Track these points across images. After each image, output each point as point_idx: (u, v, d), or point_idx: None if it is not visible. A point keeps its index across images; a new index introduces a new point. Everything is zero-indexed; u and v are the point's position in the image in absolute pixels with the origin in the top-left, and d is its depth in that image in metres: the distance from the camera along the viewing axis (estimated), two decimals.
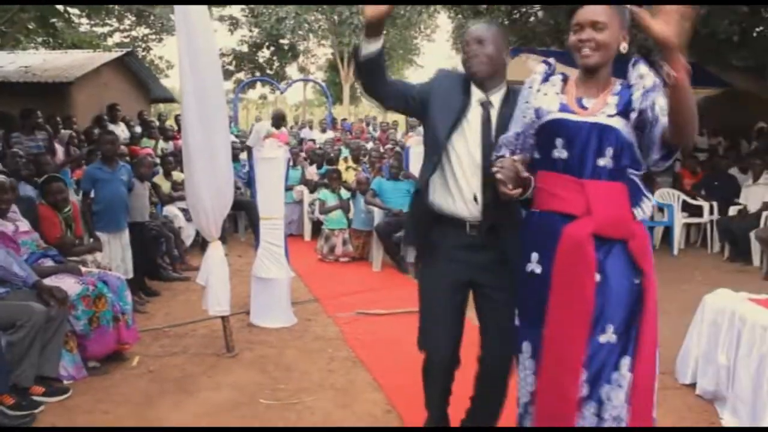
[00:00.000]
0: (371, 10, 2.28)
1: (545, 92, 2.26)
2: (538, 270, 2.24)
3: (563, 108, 2.19)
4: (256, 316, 5.06)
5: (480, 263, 2.54)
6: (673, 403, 3.63)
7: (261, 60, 28.72)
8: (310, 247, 8.24)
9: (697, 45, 5.93)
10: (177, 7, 3.94)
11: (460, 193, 2.52)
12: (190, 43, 3.93)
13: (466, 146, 2.50)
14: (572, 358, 2.11)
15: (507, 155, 2.31)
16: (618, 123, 2.10)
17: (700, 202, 8.31)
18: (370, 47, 2.38)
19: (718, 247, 8.10)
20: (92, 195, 5.29)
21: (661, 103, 2.03)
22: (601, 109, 2.13)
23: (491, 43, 2.49)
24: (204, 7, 4.03)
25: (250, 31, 27.73)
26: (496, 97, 2.54)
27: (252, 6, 25.20)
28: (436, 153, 2.54)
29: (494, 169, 2.17)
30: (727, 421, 3.36)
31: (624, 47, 2.12)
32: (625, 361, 2.11)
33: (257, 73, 27.24)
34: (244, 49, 28.15)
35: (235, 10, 26.26)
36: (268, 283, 5.05)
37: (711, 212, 8.27)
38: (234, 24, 27.76)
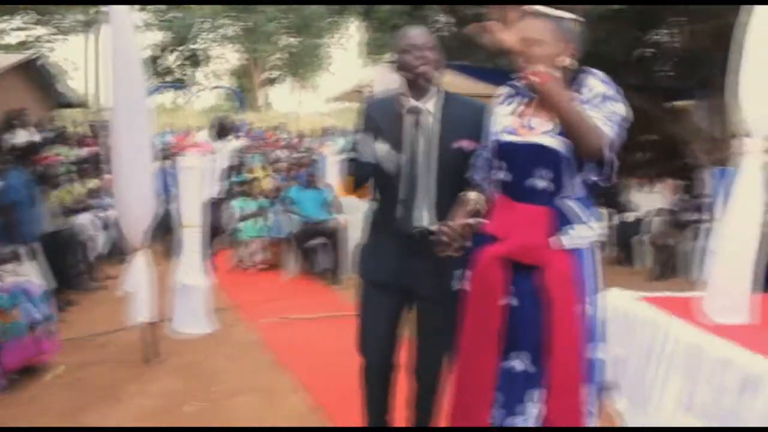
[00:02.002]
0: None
1: (502, 114, 2.23)
2: (463, 286, 2.26)
3: (509, 130, 2.16)
4: (179, 323, 5.11)
5: (415, 271, 2.56)
6: None
7: (169, 65, 28.21)
8: (226, 255, 8.27)
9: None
10: (106, 8, 3.94)
11: (400, 204, 2.56)
12: (117, 46, 3.97)
13: (403, 154, 2.53)
14: (480, 380, 2.13)
15: (479, 179, 2.32)
16: (556, 142, 2.04)
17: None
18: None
19: (612, 251, 8.70)
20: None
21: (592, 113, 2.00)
22: (544, 128, 2.07)
23: (435, 47, 2.52)
24: (128, 8, 4.05)
25: (158, 34, 27.21)
26: (431, 103, 2.55)
27: (161, 9, 24.72)
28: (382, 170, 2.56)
29: (436, 229, 2.23)
30: (620, 405, 3.74)
31: (564, 60, 2.05)
32: (534, 394, 2.09)
33: (166, 79, 26.74)
34: (151, 53, 27.57)
35: (143, 14, 25.65)
36: (189, 291, 5.12)
37: (609, 219, 8.87)
38: (141, 28, 27.16)
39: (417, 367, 2.74)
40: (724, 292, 3.53)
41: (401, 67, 2.54)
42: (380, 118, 2.59)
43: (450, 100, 2.58)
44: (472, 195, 2.30)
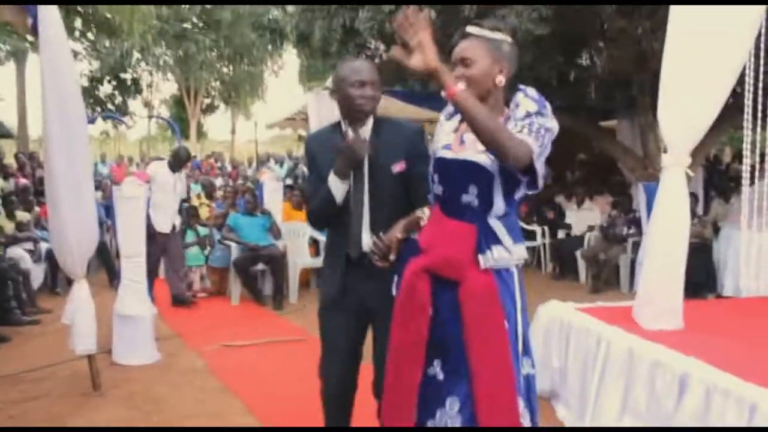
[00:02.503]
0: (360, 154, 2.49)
1: (444, 131, 2.28)
2: (394, 293, 2.31)
3: (445, 146, 2.21)
4: (120, 354, 5.01)
5: (368, 293, 2.61)
6: None
7: (102, 95, 27.70)
8: (166, 284, 8.14)
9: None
10: (41, 34, 3.85)
11: (345, 229, 2.65)
12: (53, 72, 3.91)
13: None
14: (406, 387, 2.19)
15: (429, 195, 2.35)
16: (484, 158, 2.08)
17: (533, 227, 9.15)
18: (343, 187, 2.57)
19: (551, 267, 8.97)
20: None
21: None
22: (478, 145, 2.08)
23: (378, 84, 2.59)
24: (64, 34, 4.03)
25: (90, 64, 26.64)
26: (365, 130, 2.62)
27: (95, 39, 24.25)
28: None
29: (372, 241, 2.33)
30: (562, 414, 3.87)
31: (500, 80, 2.11)
32: (454, 401, 2.11)
33: (98, 108, 26.22)
34: (84, 83, 26.95)
35: (75, 43, 25.06)
36: (131, 321, 5.03)
37: (543, 236, 9.14)
38: (74, 57, 26.52)
39: (375, 386, 2.73)
40: (654, 301, 3.71)
41: (344, 98, 2.59)
42: (322, 151, 2.68)
43: (382, 125, 2.64)
44: (424, 212, 2.33)
